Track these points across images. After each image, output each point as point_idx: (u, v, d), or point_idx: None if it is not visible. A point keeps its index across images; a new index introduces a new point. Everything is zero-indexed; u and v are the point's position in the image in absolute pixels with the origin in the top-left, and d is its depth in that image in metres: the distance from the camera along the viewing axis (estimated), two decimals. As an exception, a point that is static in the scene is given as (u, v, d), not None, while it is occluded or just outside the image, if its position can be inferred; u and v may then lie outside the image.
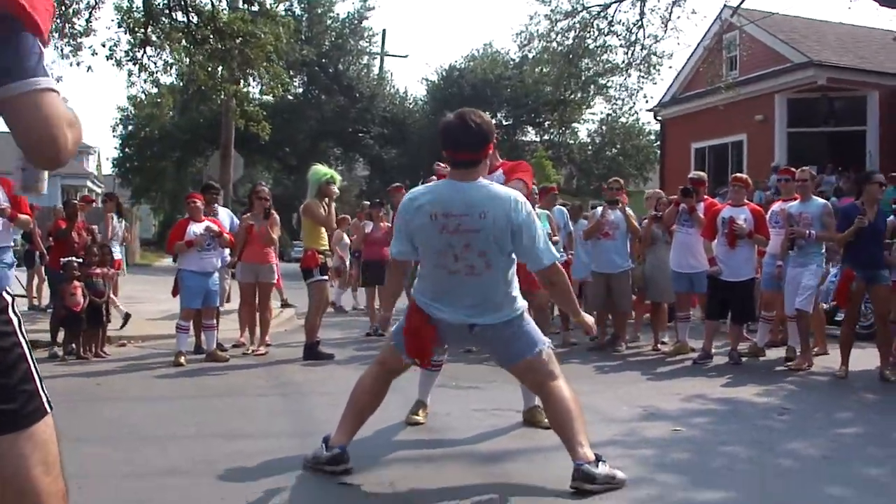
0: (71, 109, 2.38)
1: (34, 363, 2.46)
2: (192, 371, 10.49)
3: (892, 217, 11.14)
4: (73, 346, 11.49)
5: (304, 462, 5.82)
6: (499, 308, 5.55)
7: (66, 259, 11.91)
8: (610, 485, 5.29)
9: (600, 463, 5.33)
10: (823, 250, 11.30)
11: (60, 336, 11.59)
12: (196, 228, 11.37)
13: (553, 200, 13.82)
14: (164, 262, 39.70)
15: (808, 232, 10.76)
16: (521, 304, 5.72)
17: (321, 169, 11.77)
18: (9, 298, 2.41)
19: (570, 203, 17.23)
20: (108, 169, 66.40)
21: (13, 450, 2.37)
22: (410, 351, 5.71)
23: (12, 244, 11.12)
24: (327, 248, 11.86)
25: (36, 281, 17.09)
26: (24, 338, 2.42)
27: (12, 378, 2.36)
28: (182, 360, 10.88)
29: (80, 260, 11.91)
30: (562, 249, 13.52)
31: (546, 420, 6.96)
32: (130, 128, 53.13)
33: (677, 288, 12.18)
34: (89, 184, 61.32)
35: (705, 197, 12.51)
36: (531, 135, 53.50)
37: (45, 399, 2.47)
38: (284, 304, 18.14)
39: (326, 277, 11.80)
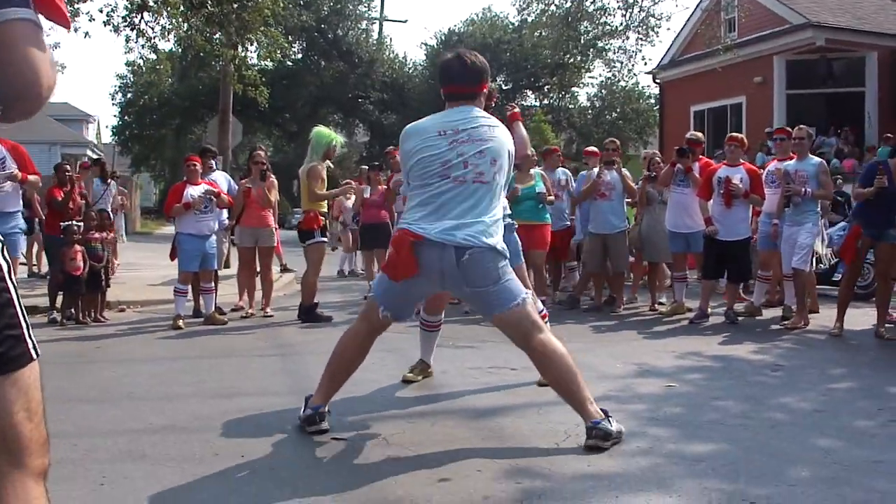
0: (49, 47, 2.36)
1: (22, 309, 2.44)
2: (190, 334, 10.55)
3: None
4: (72, 310, 11.53)
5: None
6: (491, 233, 5.45)
7: (67, 223, 11.92)
8: (616, 440, 5.36)
9: (610, 419, 5.38)
10: (819, 209, 11.33)
11: (59, 301, 11.64)
12: (193, 191, 11.39)
13: (555, 162, 13.89)
14: (164, 229, 39.76)
15: (804, 189, 10.78)
16: (507, 252, 5.66)
17: (326, 132, 11.78)
18: None
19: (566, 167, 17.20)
20: (107, 137, 66.31)
21: None
22: (387, 267, 5.65)
23: (21, 208, 11.02)
24: (326, 210, 11.93)
25: (35, 248, 17.09)
26: (12, 283, 2.40)
27: None
28: (180, 323, 10.93)
29: (80, 224, 11.96)
30: (566, 212, 13.60)
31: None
32: (129, 95, 52.95)
33: (673, 248, 12.20)
34: (89, 152, 61.08)
35: (700, 157, 12.50)
36: (531, 99, 53.40)
37: (31, 345, 2.43)
38: (284, 269, 18.23)
39: (326, 239, 11.84)
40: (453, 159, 5.45)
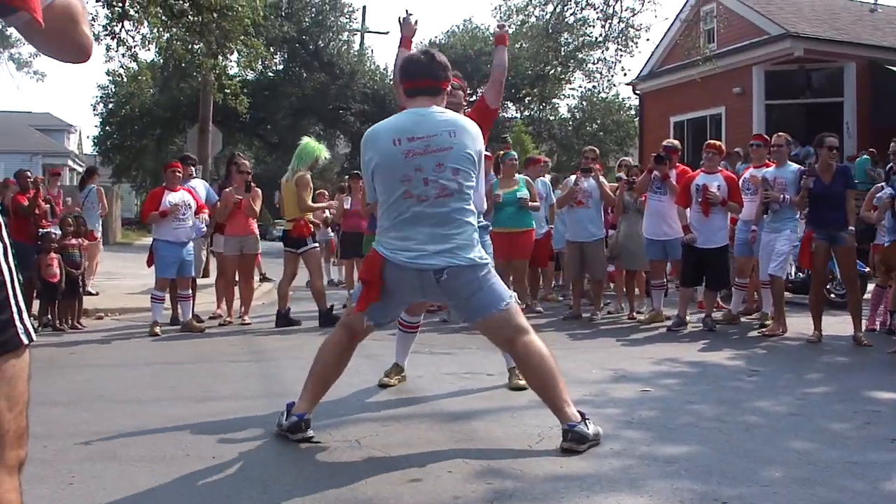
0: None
1: (16, 292, 2.37)
2: (167, 340, 10.56)
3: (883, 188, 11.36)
4: (49, 317, 11.49)
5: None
6: (468, 247, 5.38)
7: (45, 230, 11.91)
8: (594, 442, 5.34)
9: (587, 422, 5.36)
10: (798, 216, 11.35)
11: (35, 308, 11.58)
12: (172, 198, 11.36)
13: (538, 171, 13.96)
14: (145, 240, 39.58)
15: (782, 196, 10.80)
16: (488, 257, 5.64)
17: (314, 144, 11.87)
18: None
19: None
20: (88, 148, 66.01)
21: None
22: (362, 298, 5.55)
23: None
24: (313, 219, 12.00)
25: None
26: (7, 265, 2.35)
27: None
28: (157, 329, 10.92)
29: (57, 231, 11.96)
30: (543, 221, 13.62)
31: (518, 381, 7.04)
32: (111, 106, 52.69)
33: (651, 255, 12.17)
34: (70, 162, 61.04)
35: (678, 164, 12.49)
36: (511, 111, 53.31)
37: (21, 331, 2.36)
38: (263, 279, 18.20)
39: (317, 244, 11.90)
40: (412, 175, 5.35)
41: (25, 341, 2.39)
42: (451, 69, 5.83)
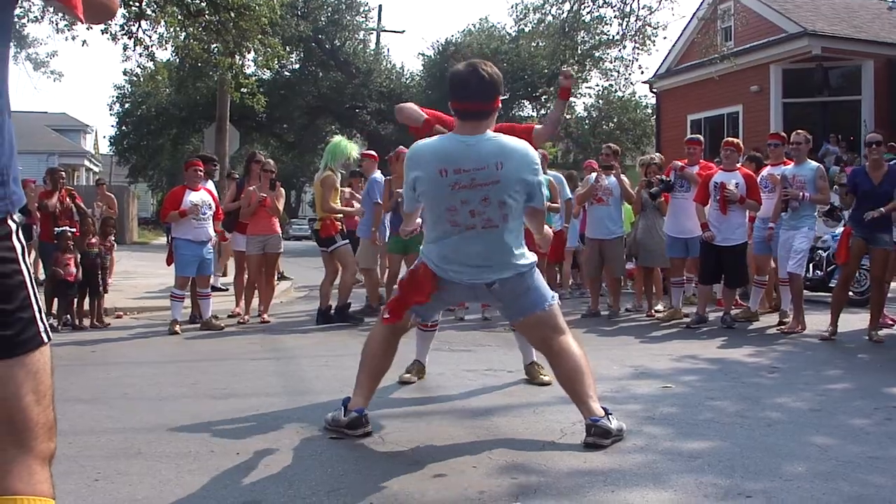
0: None
1: (35, 292, 2.44)
2: (186, 338, 10.59)
3: None
4: (69, 316, 11.53)
5: (325, 424, 5.75)
6: (514, 260, 5.43)
7: (61, 229, 11.93)
8: (617, 437, 5.37)
9: (610, 417, 5.38)
10: (816, 213, 11.32)
11: (55, 307, 11.62)
12: (193, 198, 11.36)
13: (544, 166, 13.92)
14: (161, 239, 39.70)
15: (801, 194, 10.76)
16: (531, 257, 5.62)
17: (345, 144, 11.82)
18: (13, 225, 2.41)
19: (561, 172, 17.12)
20: (105, 147, 66.21)
21: (6, 376, 2.36)
22: (395, 304, 5.66)
23: None
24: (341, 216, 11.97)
25: (34, 255, 17.12)
26: (25, 266, 2.41)
27: (11, 304, 2.35)
28: (177, 328, 10.95)
29: (73, 230, 11.98)
30: (560, 217, 13.62)
31: (543, 376, 7.08)
32: (127, 106, 52.77)
33: (672, 253, 12.13)
34: (86, 162, 61.25)
35: (701, 161, 12.41)
36: (528, 109, 53.19)
37: (42, 329, 2.45)
38: (281, 277, 18.22)
39: (348, 241, 11.87)
40: (457, 206, 5.26)
41: (46, 339, 2.46)
42: (501, 81, 5.46)
